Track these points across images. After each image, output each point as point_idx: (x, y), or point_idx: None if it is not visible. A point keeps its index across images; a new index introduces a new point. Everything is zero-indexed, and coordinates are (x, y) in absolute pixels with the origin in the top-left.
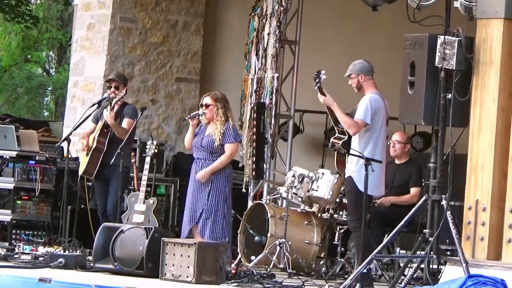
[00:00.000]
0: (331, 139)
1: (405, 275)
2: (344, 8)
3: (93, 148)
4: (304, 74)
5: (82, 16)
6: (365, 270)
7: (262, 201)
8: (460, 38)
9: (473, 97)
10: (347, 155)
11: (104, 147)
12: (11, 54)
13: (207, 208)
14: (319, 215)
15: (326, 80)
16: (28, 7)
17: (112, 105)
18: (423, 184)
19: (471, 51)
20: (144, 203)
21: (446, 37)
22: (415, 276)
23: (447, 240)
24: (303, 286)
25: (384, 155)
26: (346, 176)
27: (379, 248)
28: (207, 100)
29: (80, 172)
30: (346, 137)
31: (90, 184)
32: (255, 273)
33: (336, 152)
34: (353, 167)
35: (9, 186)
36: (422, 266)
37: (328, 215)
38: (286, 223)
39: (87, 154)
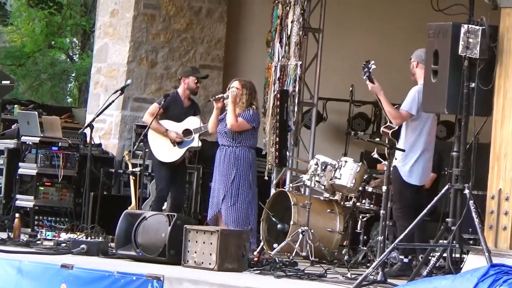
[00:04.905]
0: (382, 128)
1: (427, 264)
2: None
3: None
4: (327, 62)
5: (105, 2)
6: (406, 260)
7: (285, 188)
8: (484, 27)
9: (496, 86)
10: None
11: None
12: (35, 40)
13: (230, 195)
14: (342, 203)
15: (352, 67)
16: None
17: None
18: (446, 172)
19: (495, 40)
20: None
21: (470, 26)
22: (437, 265)
23: (470, 229)
24: (325, 274)
25: (431, 146)
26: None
27: (401, 236)
28: (235, 83)
29: (168, 159)
30: (397, 127)
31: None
32: (277, 261)
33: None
34: (398, 157)
35: (32, 172)
36: (445, 255)
37: (351, 203)
38: (308, 211)
39: (176, 144)
